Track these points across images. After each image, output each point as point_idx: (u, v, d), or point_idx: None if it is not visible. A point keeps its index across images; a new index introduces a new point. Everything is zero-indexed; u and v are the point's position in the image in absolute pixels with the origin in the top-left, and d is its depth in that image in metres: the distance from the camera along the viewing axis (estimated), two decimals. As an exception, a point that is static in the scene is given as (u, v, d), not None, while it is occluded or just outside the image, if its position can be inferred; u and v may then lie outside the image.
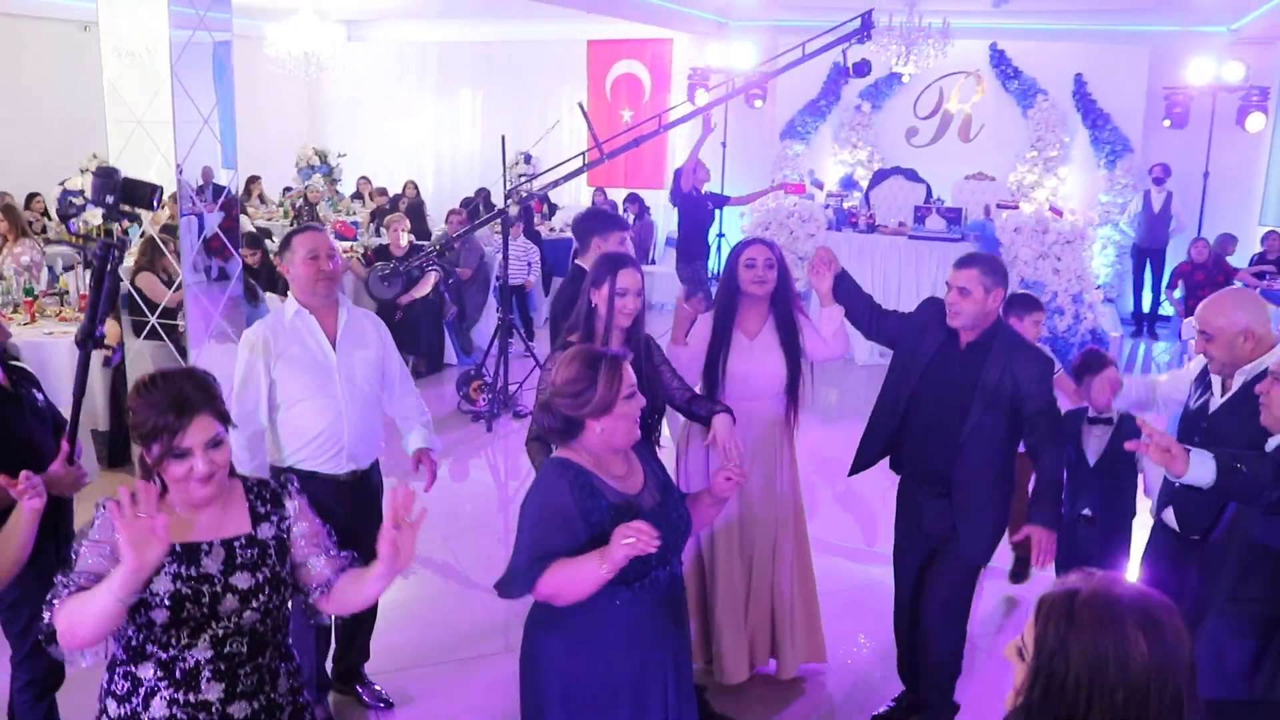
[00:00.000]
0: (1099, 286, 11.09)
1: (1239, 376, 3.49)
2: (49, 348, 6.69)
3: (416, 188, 13.89)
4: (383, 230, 11.50)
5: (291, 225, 12.30)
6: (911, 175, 12.51)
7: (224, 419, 2.45)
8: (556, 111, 15.31)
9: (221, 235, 6.28)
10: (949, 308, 3.77)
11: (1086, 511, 4.47)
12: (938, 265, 10.45)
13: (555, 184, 8.92)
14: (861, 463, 4.15)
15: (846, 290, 4.24)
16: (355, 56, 14.94)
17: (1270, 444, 3.16)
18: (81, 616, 2.19)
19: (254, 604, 2.48)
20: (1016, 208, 10.91)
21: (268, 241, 10.36)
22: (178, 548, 2.41)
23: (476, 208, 12.62)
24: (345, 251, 9.98)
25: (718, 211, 10.35)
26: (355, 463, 3.98)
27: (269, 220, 12.76)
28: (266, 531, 2.55)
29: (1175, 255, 11.46)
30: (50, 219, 11.19)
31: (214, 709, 2.46)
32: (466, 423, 8.18)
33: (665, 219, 14.65)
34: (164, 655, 2.43)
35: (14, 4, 12.28)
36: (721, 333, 4.17)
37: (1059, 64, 12.35)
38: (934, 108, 13.06)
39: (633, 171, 14.45)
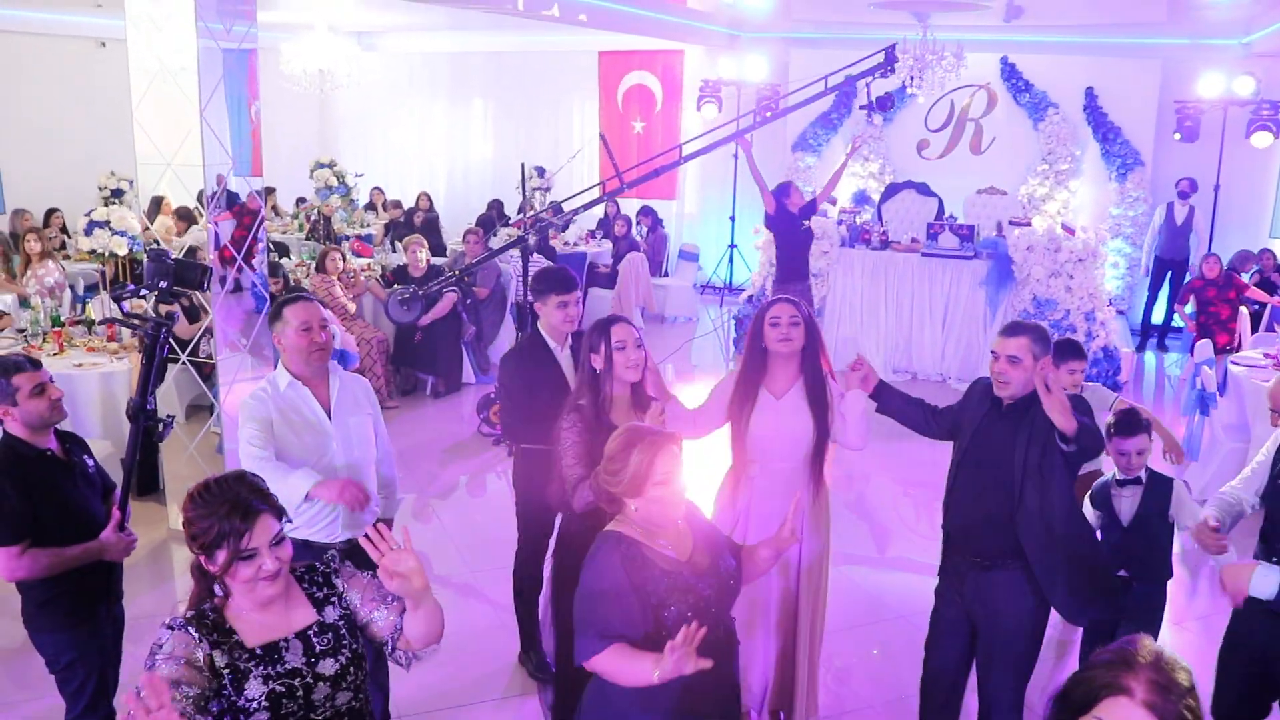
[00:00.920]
0: (1109, 303, 11.13)
1: None
2: (78, 380, 6.77)
3: (430, 199, 13.96)
4: (398, 247, 11.59)
5: (306, 238, 12.39)
6: (923, 189, 12.58)
7: (280, 514, 2.52)
8: (568, 122, 15.43)
9: (229, 245, 6.26)
10: (997, 377, 3.74)
11: (1122, 573, 4.37)
12: (951, 282, 10.53)
13: (575, 213, 8.98)
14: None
15: (890, 404, 4.18)
16: (366, 68, 14.99)
17: None
18: None
19: (345, 685, 2.56)
20: (1029, 224, 10.97)
21: (285, 260, 10.46)
22: (258, 650, 2.46)
23: (491, 221, 12.70)
24: (364, 270, 10.05)
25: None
26: (351, 530, 3.96)
27: (284, 233, 12.84)
28: (332, 614, 2.61)
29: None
30: (69, 236, 11.29)
31: None
32: (487, 446, 8.26)
33: (678, 231, 14.73)
34: None
35: (32, 22, 12.37)
36: (747, 391, 4.12)
37: (1070, 77, 12.42)
38: (945, 120, 13.12)
39: (645, 183, 14.52)
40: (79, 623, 3.71)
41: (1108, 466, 4.64)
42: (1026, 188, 12.60)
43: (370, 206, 14.64)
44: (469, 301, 9.69)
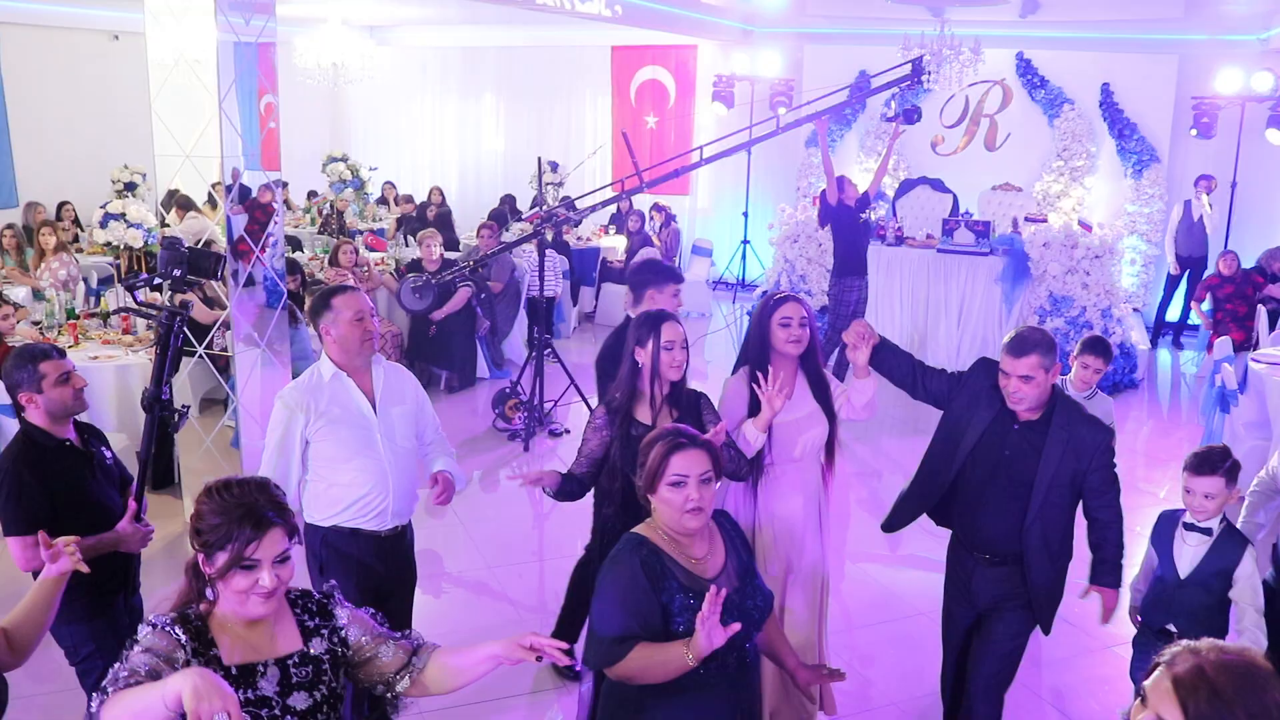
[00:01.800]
0: (1125, 300, 11.08)
1: None
2: (94, 372, 6.74)
3: (442, 194, 13.94)
4: (410, 241, 11.57)
5: (319, 232, 12.37)
6: (938, 185, 12.53)
7: (292, 533, 2.41)
8: (580, 117, 15.38)
9: (246, 237, 6.25)
10: (1011, 396, 3.69)
11: (1171, 628, 3.94)
12: (966, 279, 10.48)
13: (594, 209, 8.94)
14: (898, 521, 4.15)
15: (885, 359, 4.14)
16: (379, 62, 14.99)
17: None
18: (128, 710, 2.08)
19: None
20: (1045, 220, 10.92)
21: (298, 254, 10.44)
22: (234, 670, 2.34)
23: (504, 215, 12.68)
24: (377, 264, 10.03)
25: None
26: (398, 518, 4.00)
27: (295, 227, 12.83)
28: (319, 647, 2.49)
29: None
30: (82, 228, 11.29)
31: None
32: (503, 441, 8.24)
33: (690, 227, 14.69)
34: None
35: (44, 15, 12.35)
36: (755, 398, 3.95)
37: (1086, 73, 12.35)
38: (959, 116, 13.06)
39: (651, 176, 14.50)
40: (97, 614, 3.69)
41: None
42: (1041, 184, 12.53)
43: (382, 201, 14.62)
44: (483, 296, 9.65)
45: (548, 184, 13.03)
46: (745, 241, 14.17)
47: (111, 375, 6.72)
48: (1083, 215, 11.61)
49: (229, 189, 6.04)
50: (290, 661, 2.43)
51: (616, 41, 14.60)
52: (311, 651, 2.47)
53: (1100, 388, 5.35)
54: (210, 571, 2.32)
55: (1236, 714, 1.74)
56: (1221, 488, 3.87)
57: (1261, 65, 11.61)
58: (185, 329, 6.30)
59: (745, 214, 14.16)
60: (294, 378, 4.45)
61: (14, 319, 6.81)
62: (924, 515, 4.15)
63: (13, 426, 3.93)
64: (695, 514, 2.77)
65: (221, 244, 6.29)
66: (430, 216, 13.00)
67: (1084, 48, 12.42)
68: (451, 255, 10.50)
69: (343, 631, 2.54)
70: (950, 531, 4.12)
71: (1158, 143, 12.18)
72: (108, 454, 3.81)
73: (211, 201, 7.38)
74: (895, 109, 9.74)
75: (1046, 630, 3.94)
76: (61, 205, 11.71)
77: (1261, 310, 9.79)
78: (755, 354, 4.04)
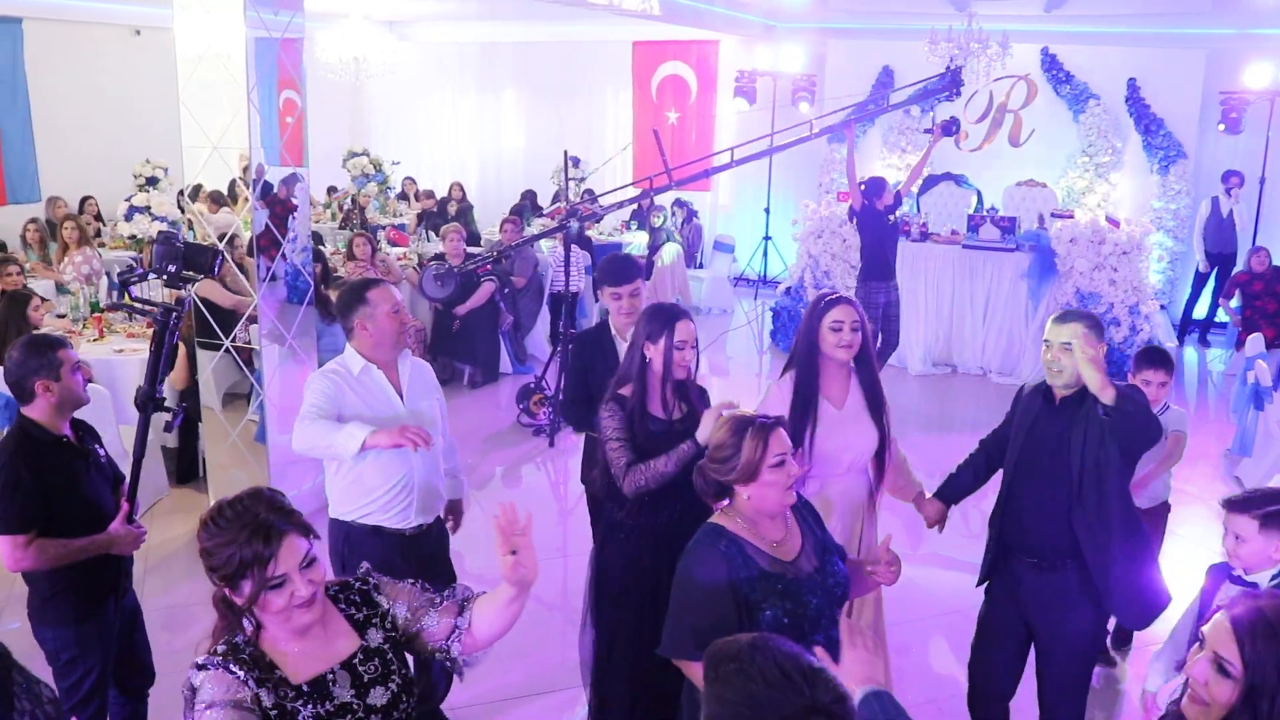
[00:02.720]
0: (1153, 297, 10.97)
1: None
2: (119, 366, 6.75)
3: (463, 189, 13.91)
4: (432, 236, 11.54)
5: (340, 227, 12.35)
6: (961, 181, 12.43)
7: (308, 532, 2.29)
8: (601, 113, 15.32)
9: (272, 228, 6.21)
10: (1050, 365, 3.61)
11: None
12: (992, 276, 10.38)
13: (620, 205, 8.89)
14: (984, 576, 3.99)
15: (955, 493, 4.14)
16: (400, 57, 14.96)
17: None
18: None
19: (396, 714, 2.35)
20: (1071, 216, 10.81)
21: (320, 247, 10.41)
22: (304, 687, 2.25)
23: (525, 210, 12.64)
24: (400, 259, 10.00)
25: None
26: (423, 516, 3.93)
27: (317, 222, 12.80)
28: (376, 637, 2.40)
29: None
30: (104, 224, 11.28)
31: None
32: (527, 436, 8.19)
33: (712, 223, 14.62)
34: None
35: (67, 9, 12.35)
36: (806, 403, 3.86)
37: (1112, 68, 12.22)
38: (984, 112, 12.95)
39: (680, 175, 14.45)
40: (84, 619, 3.59)
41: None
42: (1066, 180, 12.42)
43: (402, 196, 14.59)
44: (506, 291, 9.61)
45: (570, 179, 12.98)
46: (767, 238, 14.09)
47: (135, 369, 6.70)
48: (1109, 211, 11.49)
49: (255, 182, 6.01)
50: (355, 661, 2.34)
51: (638, 37, 14.52)
52: (371, 644, 2.38)
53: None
54: (241, 602, 2.21)
55: None
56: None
57: (1291, 59, 11.49)
58: (210, 320, 6.41)
59: (767, 210, 14.08)
60: None
61: (43, 310, 6.79)
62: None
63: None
64: (792, 490, 2.82)
65: (244, 238, 6.26)
66: (451, 212, 12.98)
67: (1110, 42, 12.28)
68: (474, 250, 10.46)
69: (390, 615, 2.45)
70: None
71: (1184, 138, 12.04)
72: (101, 452, 3.73)
73: (232, 196, 7.36)
74: (933, 120, 9.62)
75: (1138, 627, 3.82)
76: (84, 200, 11.70)
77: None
78: (804, 359, 3.91)
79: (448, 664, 2.51)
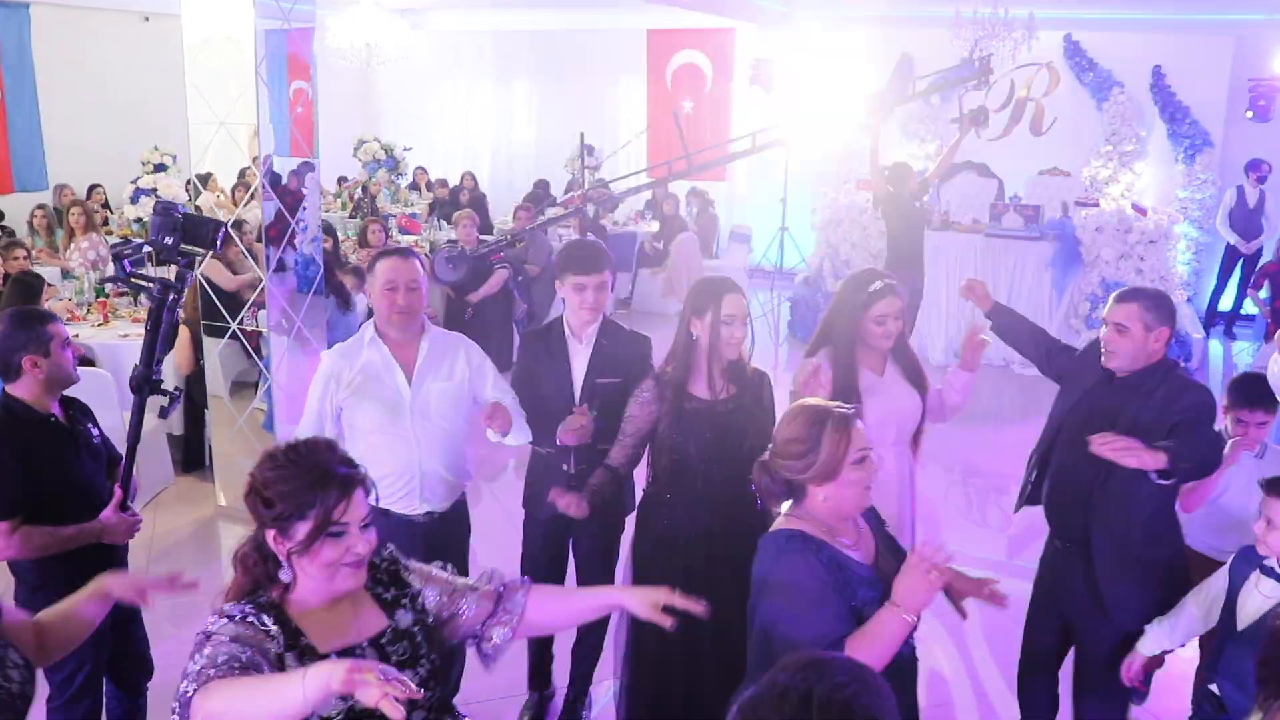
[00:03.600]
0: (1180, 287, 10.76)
1: None
2: (123, 350, 6.60)
3: (474, 179, 13.74)
4: (444, 225, 11.37)
5: (350, 217, 12.19)
6: (983, 170, 12.21)
7: (370, 493, 2.16)
8: (615, 102, 15.13)
9: (285, 214, 6.07)
10: (1104, 346, 3.44)
11: (1214, 688, 3.11)
12: (1015, 265, 10.19)
13: (638, 189, 8.69)
14: (1021, 503, 3.85)
15: (1005, 321, 3.95)
16: (410, 45, 14.80)
17: None
18: (249, 702, 1.79)
19: (422, 703, 2.17)
20: (1096, 205, 10.60)
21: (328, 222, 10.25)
22: (332, 657, 2.06)
23: (539, 198, 12.47)
24: (412, 246, 9.83)
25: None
26: (430, 504, 3.72)
27: (326, 211, 12.63)
28: (405, 619, 2.23)
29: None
30: (111, 211, 11.14)
31: None
32: (540, 427, 7.99)
33: (728, 213, 14.43)
34: None
35: (75, -5, 12.23)
36: (849, 376, 3.63)
37: (1136, 55, 11.96)
38: (1005, 100, 12.71)
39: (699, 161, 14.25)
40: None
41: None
42: (1089, 170, 12.17)
43: (414, 186, 14.44)
44: (520, 279, 9.43)
45: (585, 167, 12.81)
46: (783, 229, 13.86)
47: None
48: (1135, 199, 11.27)
49: (266, 161, 5.87)
50: (383, 640, 2.18)
51: (653, 25, 14.32)
52: (400, 625, 2.22)
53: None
54: (289, 546, 2.06)
55: None
56: None
57: (1323, 45, 11.25)
58: (217, 302, 6.25)
59: (783, 200, 13.85)
60: None
61: (47, 296, 6.65)
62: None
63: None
64: (870, 490, 2.55)
65: (253, 223, 6.11)
66: (463, 201, 12.82)
67: (1135, 29, 12.04)
68: (486, 239, 10.29)
69: (420, 597, 2.29)
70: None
71: (1211, 126, 11.79)
72: (94, 432, 3.51)
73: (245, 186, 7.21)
74: (960, 109, 9.39)
75: (1121, 620, 3.44)
76: (91, 189, 11.57)
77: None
78: (843, 341, 3.67)
79: (479, 651, 2.36)
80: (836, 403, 2.63)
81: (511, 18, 15.27)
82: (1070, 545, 3.55)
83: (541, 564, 4.10)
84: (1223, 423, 3.92)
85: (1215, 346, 11.48)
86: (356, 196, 12.75)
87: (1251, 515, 3.21)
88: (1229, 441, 3.83)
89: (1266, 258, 10.70)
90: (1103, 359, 3.47)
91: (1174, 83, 11.90)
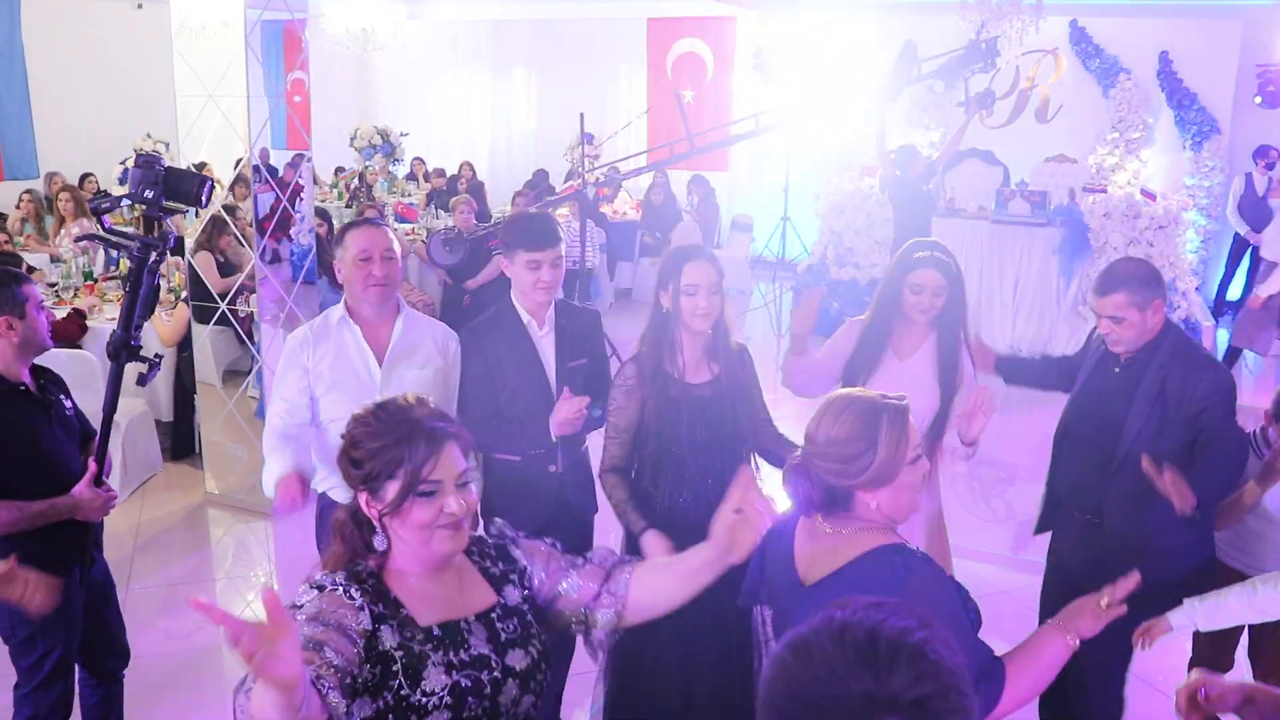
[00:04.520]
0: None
1: None
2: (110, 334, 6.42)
3: (473, 168, 13.58)
4: (442, 214, 11.22)
5: (346, 206, 12.03)
6: (988, 157, 12.06)
7: (469, 449, 1.99)
8: (615, 92, 14.97)
9: (288, 205, 5.96)
10: (1106, 337, 3.34)
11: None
12: (1022, 251, 10.02)
13: (638, 172, 8.53)
14: (1041, 526, 3.70)
15: (1021, 373, 3.81)
16: (407, 35, 14.63)
17: None
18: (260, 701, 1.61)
19: (532, 687, 2.00)
20: (1104, 191, 10.44)
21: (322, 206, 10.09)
22: (435, 630, 1.91)
23: (538, 185, 12.31)
24: (408, 234, 9.69)
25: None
26: None
27: (323, 201, 12.46)
28: (514, 596, 2.06)
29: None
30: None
31: None
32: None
33: (730, 202, 14.27)
34: None
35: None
36: (871, 350, 3.53)
37: (1143, 41, 11.79)
38: (1009, 87, 12.55)
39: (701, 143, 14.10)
40: None
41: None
42: (1095, 157, 11.99)
43: (411, 177, 14.28)
44: (518, 265, 9.26)
45: (585, 155, 12.65)
46: (785, 218, 13.70)
47: (130, 338, 6.37)
48: (1143, 185, 11.11)
49: (256, 170, 5.75)
50: (493, 615, 2.00)
51: (653, 13, 14.17)
52: (509, 603, 2.04)
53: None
54: (380, 509, 1.91)
55: None
56: None
57: (1332, 30, 11.10)
58: (207, 283, 6.09)
59: (785, 189, 13.70)
60: None
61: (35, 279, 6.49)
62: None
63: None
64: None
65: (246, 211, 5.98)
66: (461, 189, 12.65)
67: (1141, 14, 11.87)
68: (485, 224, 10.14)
69: (527, 574, 2.11)
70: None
71: (1218, 113, 11.62)
72: (68, 404, 3.32)
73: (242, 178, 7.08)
74: (966, 93, 9.23)
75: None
76: (84, 178, 11.39)
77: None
78: (881, 307, 3.53)
79: (586, 635, 2.13)
80: (881, 392, 2.24)
81: (510, 6, 15.09)
82: (1089, 517, 3.44)
83: None
84: (1262, 427, 3.62)
85: (1224, 336, 11.32)
86: (353, 186, 12.59)
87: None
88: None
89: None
90: (1109, 347, 3.37)
91: (1181, 69, 11.73)
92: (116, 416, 5.90)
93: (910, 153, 8.54)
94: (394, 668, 1.83)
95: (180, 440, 6.77)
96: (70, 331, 6.08)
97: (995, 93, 9.40)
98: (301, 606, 1.83)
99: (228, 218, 6.73)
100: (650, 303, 3.37)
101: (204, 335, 6.35)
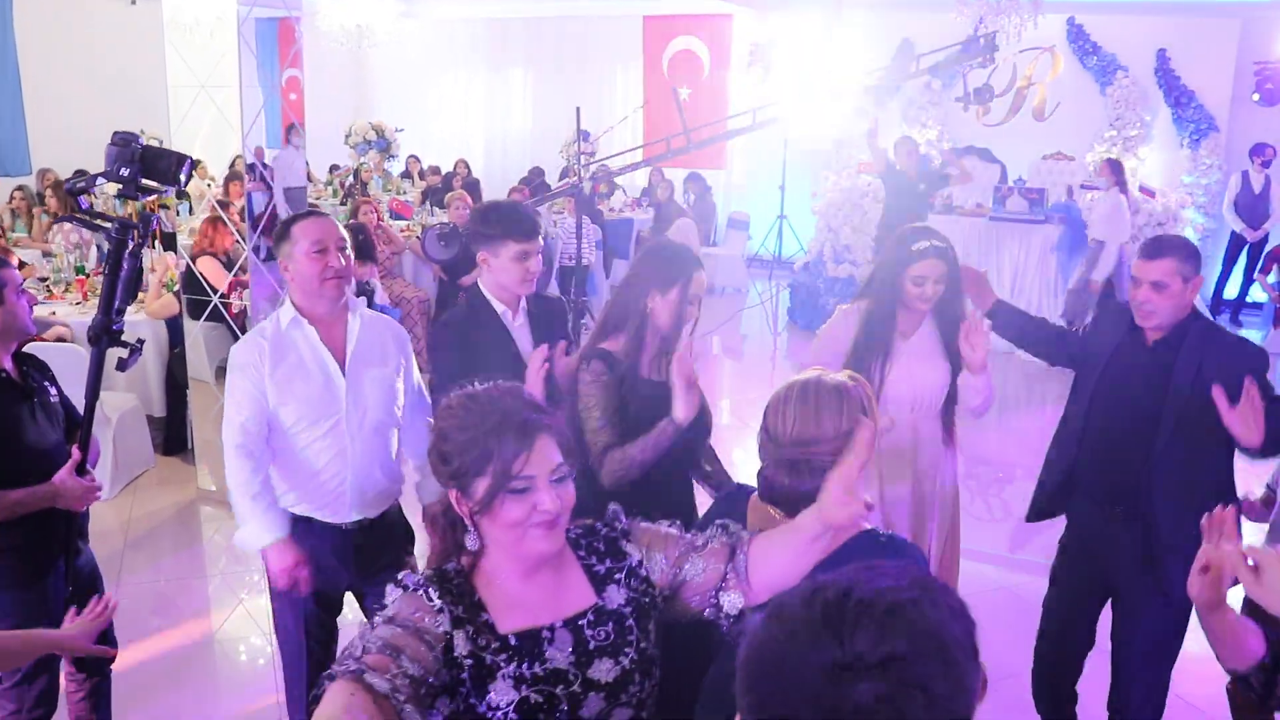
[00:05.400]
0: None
1: None
2: (103, 329, 6.36)
3: (468, 166, 13.54)
4: (437, 211, 11.17)
5: (341, 204, 11.98)
6: (985, 155, 12.03)
7: (567, 446, 1.84)
8: (611, 90, 14.93)
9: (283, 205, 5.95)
10: (1140, 307, 3.19)
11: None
12: (1020, 248, 10.00)
13: (634, 167, 8.46)
14: (1040, 510, 3.63)
15: (1010, 323, 3.69)
16: (403, 32, 14.58)
17: None
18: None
19: (624, 699, 1.86)
20: (1101, 189, 10.39)
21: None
22: (511, 639, 1.80)
23: (532, 181, 12.27)
24: (403, 231, 9.64)
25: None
26: (362, 511, 3.26)
27: (317, 199, 12.42)
28: (616, 597, 1.90)
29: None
30: (95, 197, 10.91)
31: None
32: (535, 411, 7.79)
33: (725, 200, 14.23)
34: None
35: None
36: (877, 338, 3.48)
37: (1141, 39, 11.76)
38: (1007, 85, 12.52)
39: (698, 138, 14.04)
40: (28, 582, 3.09)
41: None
42: (1093, 155, 11.96)
43: (406, 175, 14.24)
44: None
45: (581, 153, 12.60)
46: (782, 216, 13.66)
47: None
48: (1141, 182, 11.08)
49: (252, 167, 5.69)
50: (584, 621, 1.87)
51: (649, 11, 14.13)
52: (609, 605, 1.89)
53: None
54: (470, 506, 1.80)
55: None
56: None
57: (1330, 27, 11.07)
58: (200, 275, 6.03)
59: (782, 187, 13.65)
60: None
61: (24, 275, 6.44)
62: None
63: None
64: None
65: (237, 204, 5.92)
66: (457, 186, 12.60)
67: (1139, 11, 11.83)
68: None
69: (642, 570, 1.95)
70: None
71: (1216, 111, 11.59)
72: (51, 390, 3.20)
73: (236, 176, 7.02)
74: (964, 88, 9.19)
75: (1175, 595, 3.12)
76: (78, 174, 11.35)
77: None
78: (883, 297, 3.49)
79: (721, 624, 1.97)
80: (818, 370, 2.27)
81: (506, 4, 15.06)
82: (1121, 512, 3.33)
83: None
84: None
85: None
86: (348, 184, 12.53)
87: None
88: None
89: (1274, 242, 10.52)
90: (1138, 320, 3.24)
91: (1179, 66, 11.71)
92: (108, 411, 5.89)
93: (909, 144, 8.54)
94: (462, 675, 1.75)
95: (172, 436, 6.71)
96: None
97: (994, 88, 9.34)
98: (387, 605, 1.77)
99: (223, 214, 6.67)
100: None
101: (196, 331, 6.29)
